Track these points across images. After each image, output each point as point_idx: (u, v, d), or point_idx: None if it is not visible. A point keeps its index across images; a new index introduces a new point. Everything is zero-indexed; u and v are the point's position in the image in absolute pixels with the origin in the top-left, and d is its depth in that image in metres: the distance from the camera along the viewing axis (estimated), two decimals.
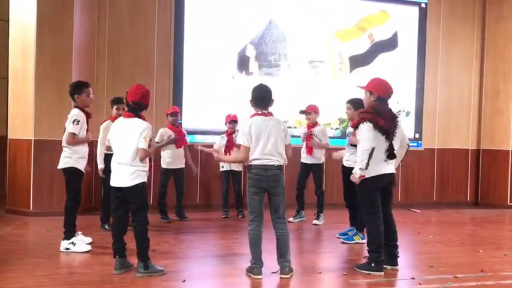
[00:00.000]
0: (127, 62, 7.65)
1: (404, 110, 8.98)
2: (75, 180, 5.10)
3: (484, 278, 4.45)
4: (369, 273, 4.40)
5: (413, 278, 4.38)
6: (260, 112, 4.30)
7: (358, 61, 8.76)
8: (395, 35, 8.96)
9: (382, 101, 4.53)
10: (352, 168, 4.63)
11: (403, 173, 8.91)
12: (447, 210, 8.52)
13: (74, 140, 5.01)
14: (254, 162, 4.23)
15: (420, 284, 4.24)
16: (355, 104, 5.59)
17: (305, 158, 6.83)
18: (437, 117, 9.17)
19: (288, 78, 8.40)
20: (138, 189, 4.22)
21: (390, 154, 4.40)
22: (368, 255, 4.53)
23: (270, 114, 4.33)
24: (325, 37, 8.63)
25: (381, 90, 4.53)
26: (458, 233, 6.66)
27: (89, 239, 5.25)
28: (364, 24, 8.80)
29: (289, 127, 8.30)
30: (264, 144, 4.20)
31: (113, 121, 5.74)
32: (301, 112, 6.80)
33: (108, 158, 5.39)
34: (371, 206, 4.46)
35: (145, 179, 4.28)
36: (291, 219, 6.58)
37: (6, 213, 6.92)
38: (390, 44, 8.93)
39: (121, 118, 4.40)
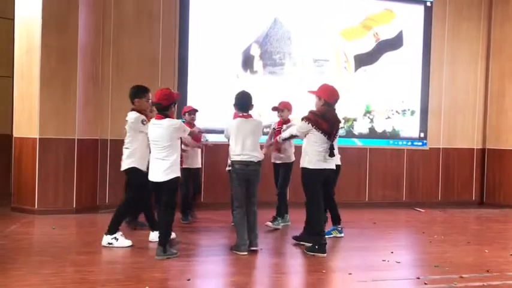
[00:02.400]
0: (132, 60, 7.65)
1: (409, 109, 8.96)
2: (136, 180, 5.16)
3: (490, 278, 4.43)
4: (314, 255, 4.95)
5: (418, 278, 4.37)
6: (241, 115, 5.05)
7: (363, 60, 8.74)
8: (400, 34, 8.93)
9: (329, 105, 5.09)
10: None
11: (407, 172, 8.89)
12: (452, 210, 8.49)
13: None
14: (237, 158, 4.97)
15: (425, 283, 4.22)
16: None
17: (274, 158, 6.39)
18: (442, 117, 9.14)
19: (292, 77, 8.39)
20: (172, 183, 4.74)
21: (330, 153, 5.02)
22: (307, 237, 5.20)
23: (250, 116, 5.07)
24: (330, 36, 8.61)
25: (327, 96, 5.09)
26: (464, 232, 6.64)
27: (129, 242, 5.18)
28: (370, 23, 8.77)
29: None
30: (245, 143, 4.94)
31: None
32: (274, 109, 6.43)
33: None
34: (313, 196, 5.06)
35: (179, 174, 4.80)
36: (269, 223, 6.26)
37: (11, 212, 6.94)
38: (395, 43, 8.90)
39: (153, 120, 4.81)
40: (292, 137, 5.34)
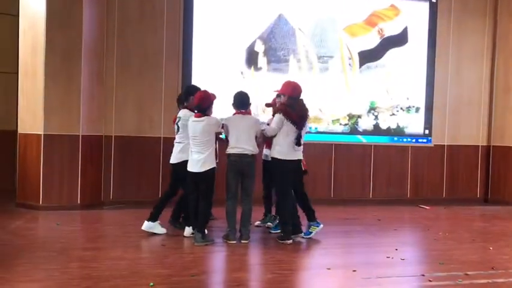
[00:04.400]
0: (136, 56, 7.66)
1: (413, 106, 8.92)
2: (183, 173, 5.42)
3: (494, 275, 4.41)
4: (282, 243, 5.27)
5: (423, 275, 4.35)
6: (239, 111, 5.41)
7: (367, 56, 8.70)
8: (405, 30, 8.88)
9: (293, 99, 5.42)
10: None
11: (412, 169, 8.87)
12: (457, 207, 8.46)
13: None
14: (231, 151, 5.30)
15: (430, 281, 4.21)
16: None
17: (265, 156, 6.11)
18: (447, 113, 9.09)
19: (296, 73, 8.36)
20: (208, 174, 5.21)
21: (298, 142, 5.31)
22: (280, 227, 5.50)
23: (247, 113, 5.45)
24: (335, 32, 8.58)
25: (288, 91, 5.45)
26: (469, 230, 6.61)
27: (165, 230, 5.61)
28: (374, 19, 8.73)
29: None
30: (240, 137, 5.26)
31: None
32: (267, 105, 6.35)
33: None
34: (282, 186, 5.37)
35: (215, 165, 5.27)
36: (257, 222, 6.16)
37: (16, 207, 6.96)
38: (400, 39, 8.85)
39: (193, 117, 5.26)
40: (274, 134, 5.42)
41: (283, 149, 5.33)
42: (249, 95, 5.56)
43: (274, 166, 5.42)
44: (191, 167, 5.27)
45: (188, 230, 5.47)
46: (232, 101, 5.51)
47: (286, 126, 5.32)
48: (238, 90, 5.62)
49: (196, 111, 5.31)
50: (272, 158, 5.43)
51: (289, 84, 5.56)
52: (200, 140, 5.18)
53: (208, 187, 5.24)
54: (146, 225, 5.52)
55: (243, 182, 5.35)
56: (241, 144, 5.27)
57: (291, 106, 5.39)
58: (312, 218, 5.64)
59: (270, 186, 6.05)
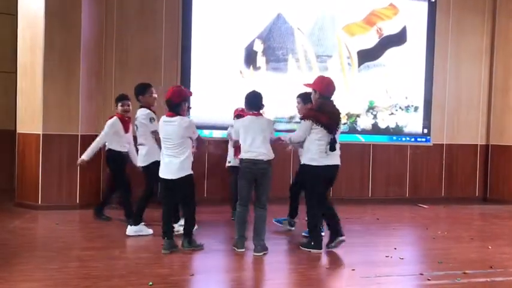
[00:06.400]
0: (135, 56, 7.66)
1: (412, 105, 8.93)
2: (155, 174, 5.19)
3: (493, 274, 4.42)
4: (309, 251, 4.94)
5: (421, 274, 4.36)
6: (251, 113, 4.95)
7: (366, 56, 8.71)
8: (404, 29, 8.89)
9: (325, 98, 4.94)
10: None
11: (411, 168, 8.88)
12: (456, 206, 8.47)
13: (157, 135, 5.24)
14: (244, 156, 4.84)
15: (429, 279, 4.22)
16: (304, 98, 5.63)
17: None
18: (446, 112, 9.10)
19: (295, 73, 8.37)
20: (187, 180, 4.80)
21: (331, 146, 4.86)
22: (309, 234, 5.13)
23: (260, 114, 4.96)
24: (334, 31, 8.58)
25: (322, 88, 4.95)
26: (467, 228, 6.62)
27: (151, 231, 5.51)
28: (373, 19, 8.74)
29: (297, 122, 8.31)
30: (254, 141, 4.82)
31: (119, 118, 5.89)
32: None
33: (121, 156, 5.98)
34: (314, 193, 4.94)
35: (191, 171, 4.83)
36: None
37: (15, 207, 6.96)
38: (399, 38, 8.87)
39: (164, 117, 4.83)
40: (299, 141, 5.05)
41: (314, 156, 4.90)
42: (262, 95, 5.07)
43: (306, 173, 5.00)
44: (164, 173, 4.80)
45: (130, 229, 5.40)
46: (244, 102, 5.05)
47: (315, 132, 4.89)
48: (252, 91, 5.12)
49: (167, 109, 4.85)
50: (304, 164, 5.01)
51: (322, 80, 5.04)
52: (173, 142, 4.73)
53: (188, 195, 4.86)
54: (130, 230, 5.43)
55: (257, 190, 4.90)
56: (255, 148, 4.81)
57: (321, 108, 4.91)
58: (292, 214, 5.84)
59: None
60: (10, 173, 8.15)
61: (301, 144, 5.08)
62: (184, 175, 4.74)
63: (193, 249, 4.85)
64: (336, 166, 5.00)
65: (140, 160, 5.48)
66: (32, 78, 6.96)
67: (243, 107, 5.22)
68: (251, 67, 8.21)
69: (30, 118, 6.99)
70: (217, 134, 7.78)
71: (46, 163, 6.84)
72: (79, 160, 6.13)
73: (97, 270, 4.19)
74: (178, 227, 5.31)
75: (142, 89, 5.46)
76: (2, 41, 8.60)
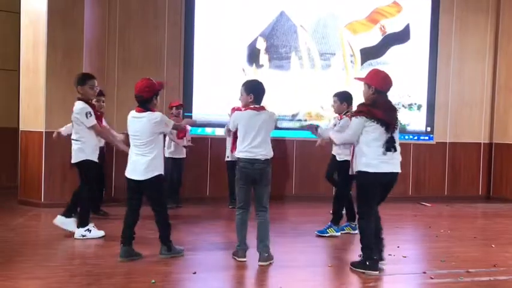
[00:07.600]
0: (137, 54, 7.66)
1: (415, 104, 8.90)
2: (91, 172, 5.16)
3: (496, 273, 4.40)
4: (364, 272, 4.22)
5: (424, 272, 4.35)
6: (253, 107, 4.43)
7: (369, 54, 8.68)
8: (407, 27, 8.86)
9: (380, 93, 4.25)
10: (344, 161, 5.06)
11: (414, 167, 8.85)
12: (459, 205, 8.44)
13: (97, 129, 5.10)
14: (241, 155, 4.41)
15: (432, 278, 4.20)
16: (341, 97, 5.55)
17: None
18: (449, 111, 9.08)
19: (298, 71, 8.36)
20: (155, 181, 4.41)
21: (389, 147, 4.19)
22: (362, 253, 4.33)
23: (263, 108, 4.46)
24: (337, 29, 8.56)
25: (379, 83, 4.26)
26: (470, 227, 6.60)
27: (102, 232, 5.26)
28: (376, 16, 8.71)
29: (299, 120, 8.30)
30: (253, 138, 4.36)
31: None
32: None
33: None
34: (366, 204, 4.25)
35: (161, 171, 4.45)
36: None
37: (18, 205, 6.98)
38: (402, 36, 8.84)
39: (133, 112, 4.43)
40: (351, 142, 4.42)
41: (371, 161, 4.18)
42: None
43: (360, 181, 4.30)
44: (130, 173, 4.41)
45: (60, 219, 5.19)
46: (247, 90, 4.45)
47: (370, 130, 4.18)
48: (255, 79, 4.68)
49: (138, 104, 4.39)
50: (358, 171, 4.28)
51: (378, 74, 4.36)
52: (141, 140, 4.33)
53: (158, 197, 4.46)
54: (59, 220, 5.22)
55: (256, 190, 4.47)
56: (254, 147, 4.35)
57: (374, 103, 4.22)
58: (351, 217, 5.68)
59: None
60: (13, 171, 8.17)
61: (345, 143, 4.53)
62: (151, 176, 4.34)
63: (172, 257, 4.50)
64: (396, 174, 4.35)
65: (72, 156, 5.17)
66: (35, 76, 6.97)
67: (240, 105, 4.91)
68: (254, 65, 8.20)
69: (33, 116, 7.00)
70: (220, 132, 7.76)
71: (49, 160, 6.85)
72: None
73: (99, 267, 4.20)
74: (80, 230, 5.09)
75: (82, 80, 5.09)
76: (4, 39, 8.62)
